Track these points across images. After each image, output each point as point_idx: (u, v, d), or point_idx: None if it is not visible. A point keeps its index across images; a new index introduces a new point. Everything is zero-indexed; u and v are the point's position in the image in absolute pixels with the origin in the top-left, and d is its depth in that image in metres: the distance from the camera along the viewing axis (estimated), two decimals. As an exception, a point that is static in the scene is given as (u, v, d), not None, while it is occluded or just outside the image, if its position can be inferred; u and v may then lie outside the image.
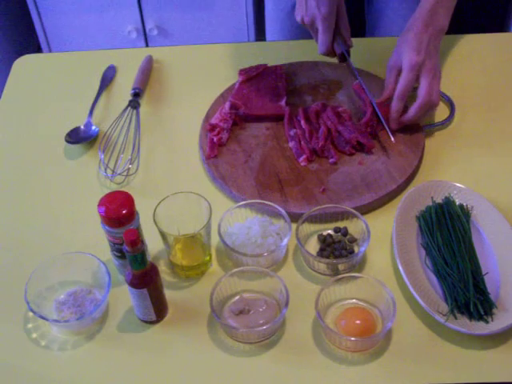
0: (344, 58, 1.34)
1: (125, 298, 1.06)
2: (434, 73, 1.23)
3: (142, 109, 1.38)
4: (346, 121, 1.27)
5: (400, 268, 1.06)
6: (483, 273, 1.06)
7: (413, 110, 1.24)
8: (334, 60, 1.37)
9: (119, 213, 1.02)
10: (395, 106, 1.25)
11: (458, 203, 1.15)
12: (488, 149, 1.28)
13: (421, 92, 1.23)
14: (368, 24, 1.69)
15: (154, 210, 1.07)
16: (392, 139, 1.23)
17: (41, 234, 1.19)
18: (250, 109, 1.32)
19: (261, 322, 1.02)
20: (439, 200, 1.16)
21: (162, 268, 1.13)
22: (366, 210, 1.17)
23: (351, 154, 1.25)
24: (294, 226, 1.12)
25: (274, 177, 1.22)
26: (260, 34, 2.45)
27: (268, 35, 1.76)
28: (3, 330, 1.07)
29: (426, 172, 1.24)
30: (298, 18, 1.33)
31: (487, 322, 1.01)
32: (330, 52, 1.33)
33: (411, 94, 1.25)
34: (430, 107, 1.25)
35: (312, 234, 1.15)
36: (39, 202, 1.24)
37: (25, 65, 1.52)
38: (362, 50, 1.42)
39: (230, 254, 1.12)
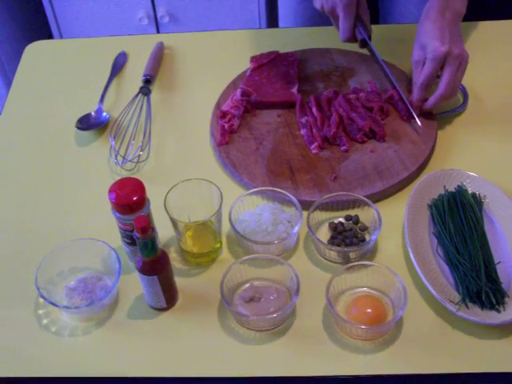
0: (365, 43, 1.33)
1: (135, 285, 1.06)
2: (459, 62, 1.21)
3: (153, 95, 1.38)
4: (359, 108, 1.27)
5: (411, 256, 1.06)
6: (495, 262, 1.05)
7: (432, 100, 1.24)
8: (347, 47, 1.37)
9: (130, 199, 1.02)
10: (416, 95, 1.25)
11: (470, 192, 1.15)
12: (501, 137, 1.27)
13: (442, 83, 1.21)
14: (381, 12, 1.67)
15: (165, 197, 1.07)
16: (419, 124, 1.24)
17: (51, 220, 1.19)
18: (261, 96, 1.31)
19: (271, 309, 1.02)
20: (451, 188, 1.15)
21: (173, 255, 1.12)
22: (377, 198, 1.17)
23: (363, 142, 1.24)
24: (305, 213, 1.11)
25: (286, 164, 1.22)
26: (272, 21, 2.43)
27: (281, 22, 1.75)
28: (14, 316, 1.07)
29: (439, 160, 1.23)
30: (318, 6, 1.31)
31: (499, 311, 1.00)
32: (352, 38, 1.33)
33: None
34: (449, 99, 1.24)
35: (323, 222, 1.15)
36: (50, 189, 1.24)
37: (36, 51, 1.52)
38: (375, 37, 1.41)
39: (240, 242, 1.12)
